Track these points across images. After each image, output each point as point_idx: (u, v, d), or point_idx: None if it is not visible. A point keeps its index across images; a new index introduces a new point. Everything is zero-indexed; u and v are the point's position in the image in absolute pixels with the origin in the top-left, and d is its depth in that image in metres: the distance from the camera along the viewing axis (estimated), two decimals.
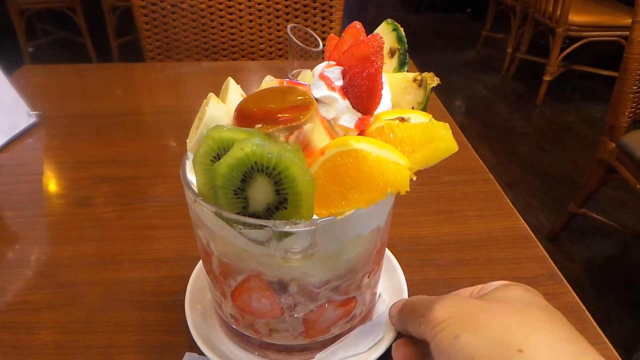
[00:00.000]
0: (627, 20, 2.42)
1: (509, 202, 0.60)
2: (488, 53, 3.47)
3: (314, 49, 0.93)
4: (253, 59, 1.30)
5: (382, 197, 0.29)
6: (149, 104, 0.92)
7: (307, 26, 1.21)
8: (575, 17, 2.44)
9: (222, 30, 1.27)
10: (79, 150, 0.74)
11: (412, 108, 0.35)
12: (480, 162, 0.69)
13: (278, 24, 1.26)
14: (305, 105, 0.32)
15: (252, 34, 1.28)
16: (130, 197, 0.62)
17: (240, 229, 0.30)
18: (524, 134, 2.54)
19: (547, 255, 0.52)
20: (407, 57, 0.38)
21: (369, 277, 0.38)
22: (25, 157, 0.72)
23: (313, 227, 0.29)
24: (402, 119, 0.32)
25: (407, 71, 0.38)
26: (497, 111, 2.75)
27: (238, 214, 0.29)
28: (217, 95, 0.35)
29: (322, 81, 0.34)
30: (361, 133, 0.33)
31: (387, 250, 0.49)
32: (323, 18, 1.26)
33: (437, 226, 0.57)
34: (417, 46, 3.61)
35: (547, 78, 2.66)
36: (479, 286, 0.37)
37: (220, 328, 0.43)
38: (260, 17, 1.25)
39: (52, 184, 0.67)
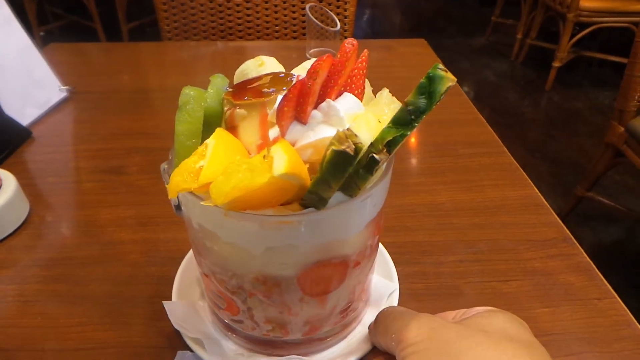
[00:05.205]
0: (639, 6, 2.42)
1: (523, 173, 0.63)
2: (497, 39, 3.45)
3: (332, 29, 0.95)
4: (268, 40, 1.32)
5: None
6: (170, 81, 0.95)
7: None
8: (586, 3, 2.44)
9: (237, 12, 1.29)
10: (109, 124, 0.77)
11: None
12: (495, 136, 0.72)
13: (293, 5, 1.28)
14: (259, 94, 0.32)
15: (267, 15, 1.30)
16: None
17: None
18: (533, 120, 2.55)
19: (560, 221, 0.55)
20: (415, 123, 0.26)
21: (263, 297, 0.33)
22: (59, 129, 0.76)
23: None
24: (268, 152, 0.27)
25: (405, 136, 0.26)
26: (506, 97, 2.75)
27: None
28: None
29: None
30: None
31: (388, 257, 0.47)
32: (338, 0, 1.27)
33: (455, 194, 0.60)
34: (427, 31, 3.60)
35: (556, 64, 2.67)
36: (462, 310, 0.34)
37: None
38: None
39: (87, 154, 0.70)
